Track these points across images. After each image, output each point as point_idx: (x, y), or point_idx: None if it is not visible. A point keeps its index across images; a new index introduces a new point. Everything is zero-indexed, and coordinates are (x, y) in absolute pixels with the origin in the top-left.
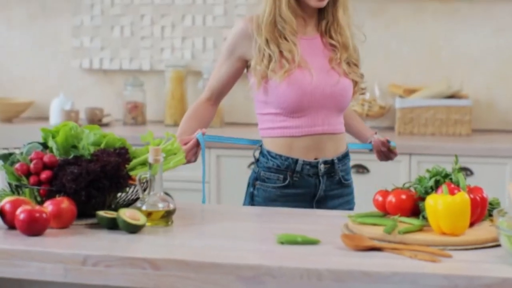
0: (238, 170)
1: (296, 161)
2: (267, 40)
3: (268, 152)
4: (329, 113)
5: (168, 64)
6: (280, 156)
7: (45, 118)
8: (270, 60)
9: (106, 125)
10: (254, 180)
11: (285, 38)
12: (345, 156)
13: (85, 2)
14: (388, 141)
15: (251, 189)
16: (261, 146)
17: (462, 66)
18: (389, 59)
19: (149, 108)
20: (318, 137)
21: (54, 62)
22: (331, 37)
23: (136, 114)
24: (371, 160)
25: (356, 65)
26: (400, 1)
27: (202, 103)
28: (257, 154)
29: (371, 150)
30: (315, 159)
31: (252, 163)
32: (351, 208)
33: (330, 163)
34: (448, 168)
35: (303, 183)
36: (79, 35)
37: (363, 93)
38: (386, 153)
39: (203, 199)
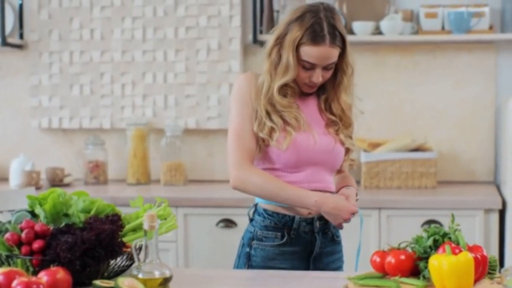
0: (206, 229)
1: (293, 218)
2: (267, 112)
3: (265, 210)
4: (323, 171)
5: (130, 122)
6: (277, 213)
7: (5, 179)
8: (272, 131)
9: (68, 185)
10: (250, 240)
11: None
12: None
13: (43, 61)
14: None
15: (247, 249)
16: (255, 205)
17: (425, 118)
18: (352, 112)
19: (111, 167)
20: None
21: (13, 122)
22: (332, 113)
23: (97, 174)
24: None
25: (350, 137)
26: (361, 54)
27: (257, 169)
28: (251, 213)
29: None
30: (309, 214)
31: (220, 221)
32: (341, 266)
33: (324, 220)
34: (417, 222)
35: (299, 240)
36: (38, 94)
37: (351, 165)
38: None
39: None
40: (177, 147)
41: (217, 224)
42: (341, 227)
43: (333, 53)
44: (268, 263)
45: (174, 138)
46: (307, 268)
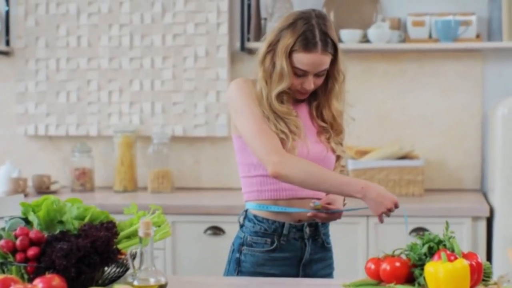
0: (194, 237)
1: (283, 224)
2: (269, 118)
3: (255, 216)
4: None
5: (117, 129)
6: (267, 220)
7: None
8: (285, 137)
9: (54, 192)
10: (240, 246)
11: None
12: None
13: (30, 68)
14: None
15: (237, 255)
16: (246, 211)
17: (412, 126)
18: (343, 119)
19: (97, 174)
20: (304, 201)
21: None
22: (323, 119)
23: (84, 181)
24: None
25: (341, 144)
26: (349, 62)
27: (297, 157)
28: (241, 219)
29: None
30: (299, 221)
31: (208, 228)
32: (331, 272)
33: (314, 226)
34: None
35: (289, 246)
36: (24, 101)
37: (342, 171)
38: (316, 215)
39: None
40: (164, 154)
41: (205, 231)
42: (381, 219)
43: (325, 60)
44: (257, 269)
45: (161, 146)
46: (296, 274)
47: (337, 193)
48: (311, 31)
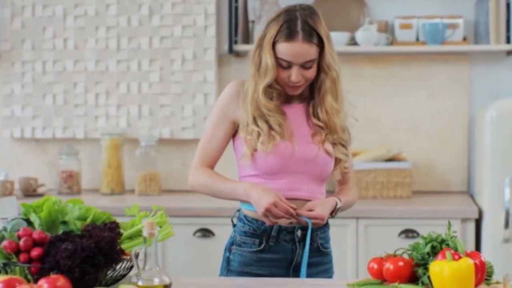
0: (183, 239)
1: (272, 225)
2: (254, 118)
3: (245, 216)
4: (309, 180)
5: (104, 132)
6: (257, 220)
7: None
8: (258, 135)
9: (41, 195)
10: (230, 245)
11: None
12: (324, 224)
13: (16, 70)
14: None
15: (227, 254)
16: (239, 211)
17: (400, 128)
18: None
19: (84, 177)
20: (296, 202)
21: None
22: (318, 118)
23: (71, 184)
24: None
25: (343, 145)
26: None
27: (205, 169)
28: (235, 220)
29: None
30: (290, 223)
31: (198, 231)
32: (330, 277)
33: (306, 230)
34: (395, 231)
35: (279, 248)
36: (10, 104)
37: (345, 173)
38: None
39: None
40: (152, 157)
41: (194, 233)
42: (269, 221)
43: (308, 50)
44: (245, 269)
45: (148, 148)
46: (286, 276)
47: (234, 199)
48: (293, 21)
